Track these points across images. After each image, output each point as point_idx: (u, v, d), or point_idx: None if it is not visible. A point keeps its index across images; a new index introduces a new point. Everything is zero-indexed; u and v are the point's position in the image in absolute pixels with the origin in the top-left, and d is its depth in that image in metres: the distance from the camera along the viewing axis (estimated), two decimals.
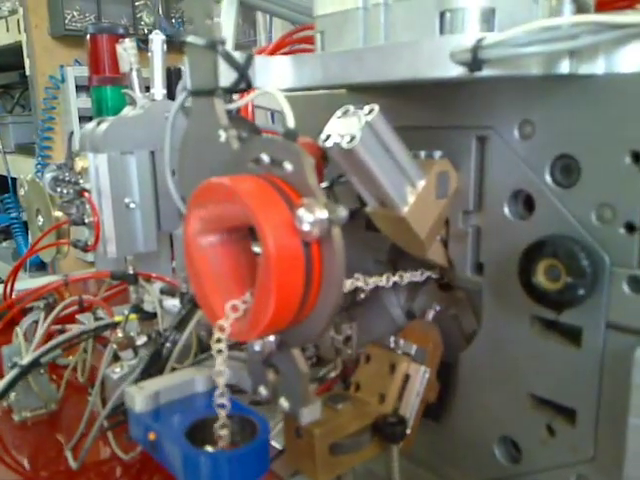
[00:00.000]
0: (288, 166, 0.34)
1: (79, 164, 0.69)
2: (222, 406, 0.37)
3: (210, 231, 0.35)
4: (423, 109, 0.42)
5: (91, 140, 0.69)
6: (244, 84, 0.40)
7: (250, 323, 0.34)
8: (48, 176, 0.98)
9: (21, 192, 1.12)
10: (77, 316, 0.81)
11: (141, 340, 0.62)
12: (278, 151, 0.35)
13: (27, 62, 2.02)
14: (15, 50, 2.03)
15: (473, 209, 0.41)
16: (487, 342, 0.42)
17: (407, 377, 0.44)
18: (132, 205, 0.70)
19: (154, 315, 0.65)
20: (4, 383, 0.56)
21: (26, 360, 0.58)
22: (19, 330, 0.62)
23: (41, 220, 1.07)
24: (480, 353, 0.42)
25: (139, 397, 0.39)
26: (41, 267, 2.07)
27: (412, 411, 0.43)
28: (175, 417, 0.39)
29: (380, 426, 0.42)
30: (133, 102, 0.72)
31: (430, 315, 0.47)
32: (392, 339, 0.46)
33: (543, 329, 0.39)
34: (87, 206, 0.70)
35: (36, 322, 0.67)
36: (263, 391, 0.40)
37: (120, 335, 0.62)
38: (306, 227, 0.32)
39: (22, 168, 2.07)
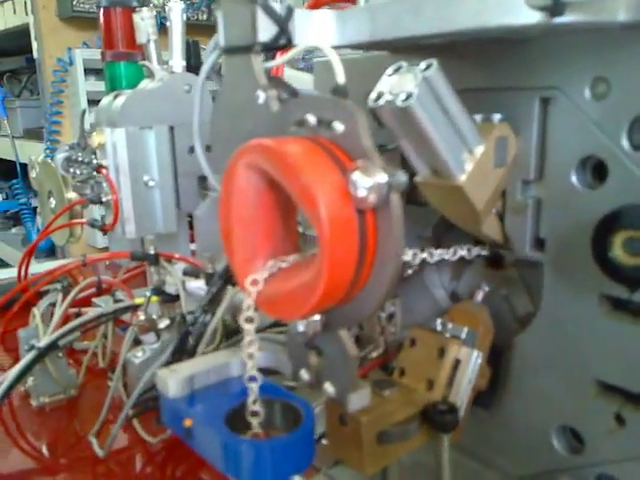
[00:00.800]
0: (339, 126, 0.31)
1: (95, 140, 0.65)
2: (250, 390, 0.34)
3: (255, 173, 0.32)
4: (478, 69, 0.39)
5: (108, 115, 0.66)
6: (284, 39, 0.36)
7: (296, 301, 0.31)
8: (60, 157, 0.95)
9: (32, 174, 1.09)
10: (94, 299, 0.78)
11: (163, 323, 0.60)
12: (327, 110, 0.31)
13: (35, 44, 1.98)
14: (22, 33, 1.99)
15: (534, 178, 0.37)
16: (547, 323, 0.38)
17: (457, 362, 0.41)
18: (151, 183, 0.66)
19: (176, 298, 0.62)
20: (21, 366, 0.53)
21: (44, 342, 0.55)
22: (36, 312, 0.59)
23: (53, 202, 1.04)
24: (539, 336, 0.39)
25: (173, 381, 0.36)
26: (50, 254, 2.06)
27: (463, 398, 0.40)
28: (211, 402, 0.36)
29: (430, 414, 0.38)
30: (151, 75, 0.69)
31: (479, 296, 0.43)
32: (439, 321, 0.42)
33: (613, 309, 0.36)
34: (104, 184, 0.67)
35: (52, 305, 0.65)
36: (305, 375, 0.37)
37: (142, 318, 0.59)
38: (362, 193, 0.29)
39: (30, 153, 2.04)
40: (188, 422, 0.35)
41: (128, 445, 0.56)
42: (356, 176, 0.29)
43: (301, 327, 0.35)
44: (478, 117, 0.37)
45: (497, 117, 0.37)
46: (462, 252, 0.42)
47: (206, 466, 0.54)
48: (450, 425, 0.38)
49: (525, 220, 0.38)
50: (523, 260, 0.41)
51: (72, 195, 0.94)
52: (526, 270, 0.42)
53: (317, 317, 0.34)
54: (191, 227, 0.79)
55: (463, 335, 0.41)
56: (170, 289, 0.62)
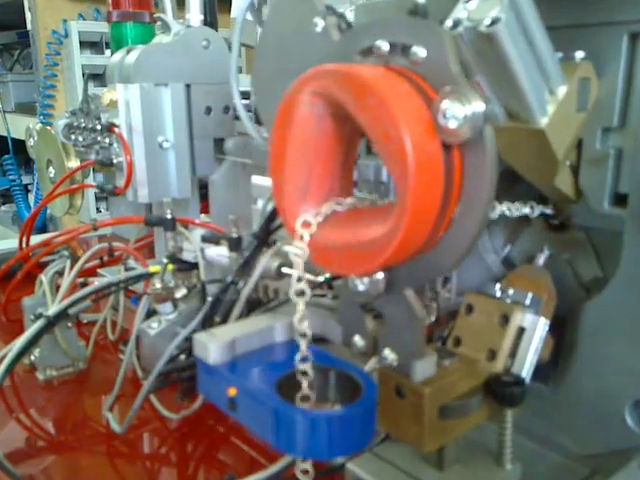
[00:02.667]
0: (420, 52, 0.26)
1: (107, 97, 0.61)
2: (305, 359, 0.30)
3: (321, 102, 0.28)
4: (559, 4, 0.35)
5: (120, 70, 0.61)
6: None
7: (364, 253, 0.27)
8: (61, 123, 0.90)
9: (30, 142, 1.04)
10: (99, 270, 0.73)
11: (181, 292, 0.55)
12: (404, 34, 0.27)
13: (28, 16, 1.91)
14: (14, 6, 1.92)
15: (617, 125, 0.34)
16: (626, 286, 0.35)
17: (521, 330, 0.37)
18: (165, 144, 0.62)
19: (192, 266, 0.58)
20: (28, 335, 0.49)
21: (53, 310, 0.51)
22: (44, 279, 0.55)
23: (53, 172, 0.99)
24: (615, 300, 0.35)
25: (213, 346, 0.32)
26: (42, 231, 2.00)
27: (529, 370, 0.36)
28: (257, 370, 0.32)
29: (494, 387, 0.35)
30: (166, 29, 0.64)
31: (540, 260, 0.40)
32: (498, 287, 0.39)
33: None
34: (115, 145, 0.62)
35: (58, 273, 0.60)
36: (359, 342, 0.34)
37: (158, 286, 0.54)
38: (453, 123, 0.25)
39: (23, 128, 1.97)
40: (232, 391, 0.31)
41: (144, 422, 0.52)
42: (447, 104, 0.25)
43: (361, 287, 0.31)
44: (559, 55, 0.33)
45: (580, 55, 0.33)
46: (525, 210, 0.38)
47: (228, 443, 0.50)
48: (517, 398, 0.35)
49: (604, 172, 0.35)
50: (593, 219, 0.37)
51: (73, 164, 0.89)
52: (596, 230, 0.38)
53: (381, 275, 0.30)
54: (202, 198, 0.74)
55: (527, 301, 0.37)
56: (187, 257, 0.57)
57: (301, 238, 0.29)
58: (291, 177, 0.30)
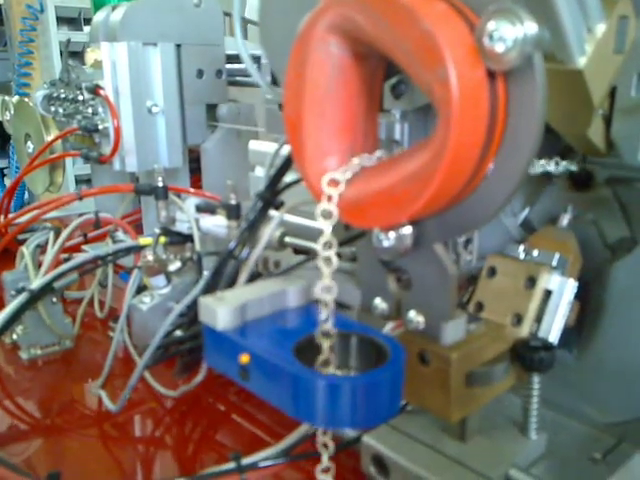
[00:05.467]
0: None
1: (90, 57, 0.57)
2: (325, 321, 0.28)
3: (339, 38, 0.25)
4: None
5: (106, 28, 0.57)
6: None
7: (400, 198, 0.24)
8: (40, 94, 0.85)
9: (6, 116, 0.99)
10: (84, 247, 0.70)
11: (174, 265, 0.52)
12: None
13: None
14: None
15: None
16: None
17: (548, 293, 0.35)
18: (155, 109, 0.58)
19: (186, 239, 0.54)
20: (10, 310, 0.45)
21: (36, 284, 0.47)
22: (25, 251, 0.51)
23: (31, 146, 0.94)
24: None
25: (222, 311, 0.29)
26: None
27: (557, 335, 0.34)
28: (270, 335, 0.29)
29: (522, 352, 0.33)
30: None
31: (564, 220, 0.38)
32: (521, 248, 0.37)
33: None
34: (100, 109, 0.58)
35: (40, 246, 0.56)
36: (381, 304, 0.31)
37: (149, 258, 0.51)
38: (500, 47, 0.22)
39: None
40: (245, 358, 0.28)
41: (138, 401, 0.49)
42: (494, 25, 0.22)
43: (387, 242, 0.28)
44: None
45: None
46: (550, 167, 0.36)
47: (229, 422, 0.47)
48: (546, 364, 0.33)
49: (639, 122, 0.32)
50: (618, 176, 0.35)
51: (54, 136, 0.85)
52: (623, 187, 0.36)
53: (408, 229, 0.28)
54: (191, 172, 0.71)
55: (554, 262, 0.35)
56: (181, 227, 0.54)
57: (329, 199, 0.26)
58: (310, 134, 0.27)
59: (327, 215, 0.26)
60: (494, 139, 0.24)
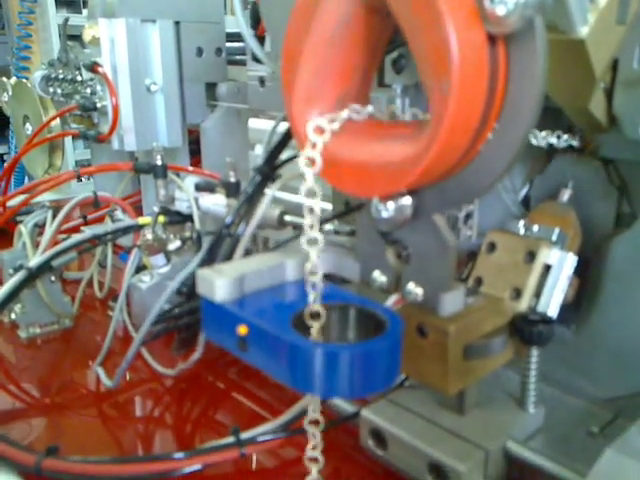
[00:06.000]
0: None
1: (88, 33, 0.56)
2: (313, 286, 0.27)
3: None
4: None
5: (104, 5, 0.56)
6: None
7: (393, 167, 0.24)
8: (38, 75, 0.85)
9: (4, 98, 0.99)
10: (83, 228, 0.69)
11: (174, 245, 0.52)
12: None
13: None
14: None
15: None
16: None
17: (547, 268, 0.35)
18: (153, 88, 0.58)
19: (185, 219, 0.54)
20: (7, 288, 0.45)
21: (34, 262, 0.47)
22: (23, 229, 0.51)
23: (30, 128, 0.94)
24: None
25: (220, 282, 0.29)
26: None
27: (555, 309, 0.34)
28: (269, 307, 0.29)
29: (520, 325, 0.33)
30: None
31: (565, 196, 0.37)
32: (521, 223, 0.36)
33: None
34: (98, 87, 0.58)
35: (38, 226, 0.56)
36: (380, 277, 0.31)
37: (149, 237, 0.51)
38: (501, 10, 0.22)
39: None
40: (243, 329, 0.28)
41: (138, 380, 0.49)
42: None
43: (385, 213, 0.28)
44: None
45: None
46: (552, 139, 0.35)
47: (229, 399, 0.47)
48: (544, 337, 0.33)
49: None
50: (621, 150, 0.35)
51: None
52: (624, 163, 0.36)
53: (408, 200, 0.27)
54: (193, 153, 0.70)
55: (554, 237, 0.35)
56: (180, 207, 0.54)
57: (313, 146, 0.26)
58: (305, 72, 0.26)
59: (310, 163, 0.26)
60: (494, 105, 0.23)
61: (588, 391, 0.37)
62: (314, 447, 0.29)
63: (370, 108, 0.27)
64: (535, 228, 0.36)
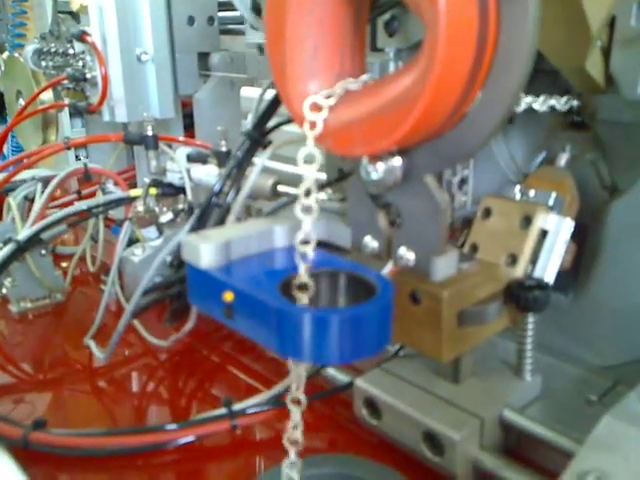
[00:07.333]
0: None
1: (77, 1, 0.55)
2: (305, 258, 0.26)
3: None
4: None
5: None
6: None
7: (385, 122, 0.23)
8: (29, 49, 0.84)
9: None
10: (77, 203, 0.69)
11: (166, 217, 0.51)
12: None
13: None
14: None
15: None
16: None
17: (544, 233, 0.34)
18: (144, 57, 0.56)
19: (178, 191, 0.53)
20: None
21: (23, 234, 0.46)
22: (12, 202, 0.50)
23: (23, 103, 0.93)
24: None
25: (206, 247, 0.28)
26: None
27: (551, 275, 0.33)
28: (256, 273, 0.28)
29: (516, 291, 0.32)
30: None
31: (562, 160, 0.36)
32: (517, 188, 0.35)
33: None
34: (88, 57, 0.57)
35: (28, 199, 0.55)
36: (371, 243, 0.30)
37: (140, 208, 0.50)
38: None
39: None
40: (229, 296, 0.27)
41: (132, 354, 0.48)
42: None
43: (375, 175, 0.27)
44: None
45: None
46: (552, 101, 0.34)
47: (224, 372, 0.47)
48: (540, 303, 0.32)
49: (639, 54, 0.31)
50: (620, 113, 0.34)
51: (45, 94, 0.83)
52: (621, 127, 0.35)
53: (398, 161, 0.26)
54: (186, 127, 0.69)
55: (550, 202, 0.34)
56: (171, 178, 0.53)
57: (312, 125, 0.25)
58: (293, 54, 0.26)
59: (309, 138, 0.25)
60: (484, 59, 0.22)
61: (587, 359, 0.37)
62: (295, 427, 0.27)
63: (365, 77, 0.26)
64: (532, 193, 0.35)
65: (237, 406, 0.37)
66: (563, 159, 0.36)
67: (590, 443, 0.27)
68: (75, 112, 0.61)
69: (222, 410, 0.37)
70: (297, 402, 0.26)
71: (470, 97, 0.23)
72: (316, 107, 0.25)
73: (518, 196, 0.35)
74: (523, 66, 0.22)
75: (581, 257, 0.36)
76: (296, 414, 0.25)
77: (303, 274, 0.26)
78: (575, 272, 0.36)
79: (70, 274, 0.55)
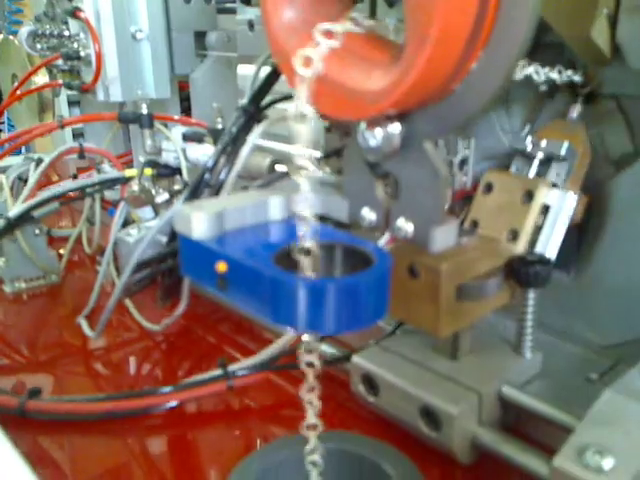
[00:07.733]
0: None
1: None
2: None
3: None
4: None
5: None
6: None
7: (388, 79, 0.22)
8: (24, 31, 0.82)
9: None
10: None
11: (161, 197, 0.50)
12: None
13: None
14: None
15: None
16: None
17: (546, 209, 0.33)
18: (139, 35, 0.55)
19: (174, 172, 0.53)
20: None
21: (14, 211, 0.46)
22: (3, 179, 0.49)
23: None
24: None
25: (198, 217, 0.27)
26: None
27: (554, 250, 0.33)
28: (250, 244, 0.28)
29: (516, 266, 0.31)
30: None
31: (574, 112, 0.35)
32: (529, 139, 0.34)
33: None
34: (82, 35, 0.56)
35: (21, 179, 0.55)
36: (369, 214, 0.29)
37: (135, 188, 0.50)
38: None
39: None
40: (222, 266, 0.26)
41: (127, 337, 0.48)
42: None
43: (373, 141, 0.26)
44: None
45: None
46: (553, 74, 0.33)
47: (221, 352, 0.46)
48: (541, 279, 0.31)
49: None
50: (627, 85, 0.33)
51: (40, 78, 0.82)
52: (629, 99, 0.34)
53: (396, 128, 0.26)
54: (184, 110, 0.68)
55: (562, 151, 0.33)
56: (167, 158, 0.52)
57: (302, 81, 0.24)
58: (282, 5, 0.25)
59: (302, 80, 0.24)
60: (485, 20, 0.22)
61: (589, 338, 0.36)
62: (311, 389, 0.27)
63: (370, 22, 0.25)
64: (543, 143, 0.34)
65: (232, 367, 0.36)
66: (575, 111, 0.35)
67: (590, 418, 0.26)
68: (70, 89, 0.59)
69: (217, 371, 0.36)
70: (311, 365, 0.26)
71: (469, 61, 0.22)
72: (307, 61, 0.24)
73: (530, 147, 0.34)
74: (526, 26, 0.21)
75: (584, 234, 0.35)
76: (310, 376, 0.25)
77: (304, 240, 0.25)
78: (577, 249, 0.36)
79: (66, 256, 0.54)
